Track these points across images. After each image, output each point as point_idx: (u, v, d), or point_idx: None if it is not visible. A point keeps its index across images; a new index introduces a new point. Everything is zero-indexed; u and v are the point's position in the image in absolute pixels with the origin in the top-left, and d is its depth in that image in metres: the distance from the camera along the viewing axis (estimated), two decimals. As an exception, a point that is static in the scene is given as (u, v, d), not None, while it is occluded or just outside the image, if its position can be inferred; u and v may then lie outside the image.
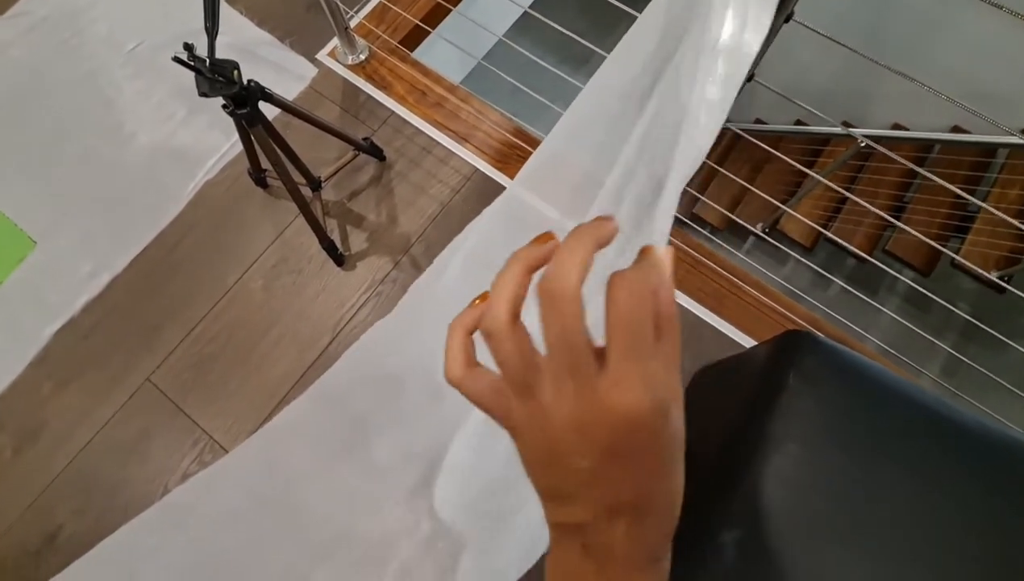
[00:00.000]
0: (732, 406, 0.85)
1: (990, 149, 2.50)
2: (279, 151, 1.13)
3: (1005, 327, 1.20)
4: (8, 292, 1.39)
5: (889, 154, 1.06)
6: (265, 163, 1.26)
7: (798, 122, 2.96)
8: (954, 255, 1.29)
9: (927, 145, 2.69)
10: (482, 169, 1.45)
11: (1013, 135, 0.98)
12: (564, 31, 1.25)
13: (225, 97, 0.94)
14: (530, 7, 1.49)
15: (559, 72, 1.38)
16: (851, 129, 1.21)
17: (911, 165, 1.12)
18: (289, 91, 1.54)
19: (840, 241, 2.04)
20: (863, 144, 1.21)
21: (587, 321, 0.26)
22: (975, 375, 1.26)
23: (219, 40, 0.87)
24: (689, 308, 1.32)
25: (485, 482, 0.90)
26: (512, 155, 1.46)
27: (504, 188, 1.42)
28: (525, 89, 1.46)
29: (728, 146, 3.09)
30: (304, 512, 1.17)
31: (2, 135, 1.56)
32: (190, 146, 1.51)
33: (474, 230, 1.11)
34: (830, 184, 1.30)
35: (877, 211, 1.33)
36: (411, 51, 1.63)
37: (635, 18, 0.73)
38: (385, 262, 1.38)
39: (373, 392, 1.24)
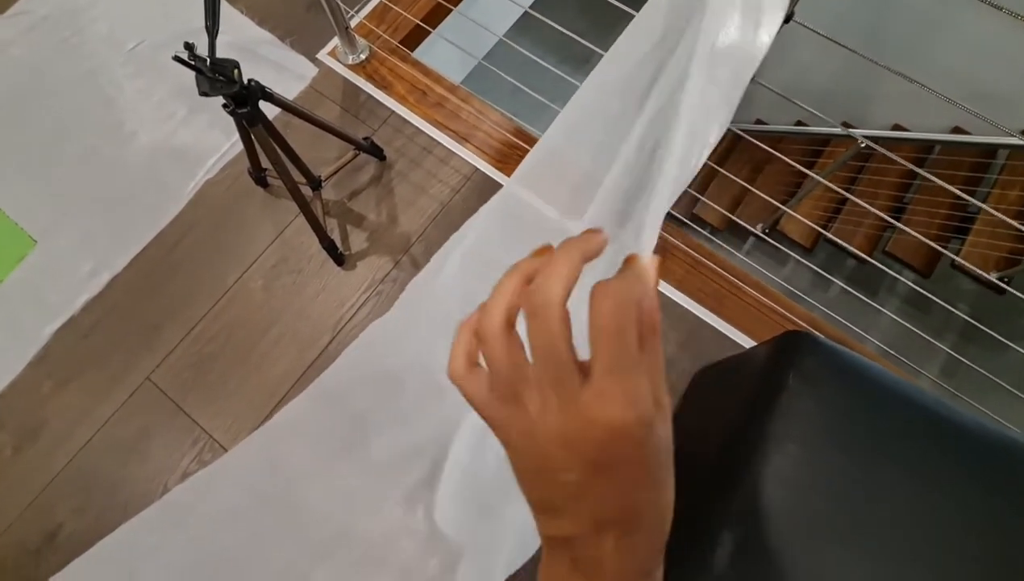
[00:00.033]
0: (732, 406, 0.85)
1: (990, 150, 2.50)
2: (279, 150, 1.13)
3: (1005, 328, 1.20)
4: (8, 291, 1.39)
5: (889, 155, 1.06)
6: (265, 162, 1.26)
7: (798, 123, 2.96)
8: (954, 256, 1.29)
9: (927, 146, 2.69)
10: (482, 169, 1.45)
11: (1013, 136, 0.98)
12: (564, 31, 1.25)
13: (225, 96, 0.94)
14: (530, 7, 1.49)
15: (559, 72, 1.38)
16: (851, 130, 1.21)
17: (911, 166, 1.12)
18: (289, 90, 1.54)
19: (840, 242, 2.04)
20: (863, 145, 1.21)
21: (573, 334, 0.26)
22: (975, 376, 1.26)
23: (220, 39, 0.87)
24: (689, 308, 1.32)
25: (484, 480, 0.91)
26: (512, 155, 1.46)
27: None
28: (525, 89, 1.46)
29: (728, 146, 3.09)
30: (304, 511, 1.17)
31: (2, 134, 1.56)
32: (190, 145, 1.51)
33: (471, 228, 1.11)
34: (830, 185, 1.30)
35: (877, 212, 1.33)
36: (412, 51, 1.63)
37: (634, 18, 0.73)
38: (385, 262, 1.38)
39: (372, 390, 1.24)
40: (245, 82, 0.93)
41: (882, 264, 1.36)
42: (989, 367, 1.23)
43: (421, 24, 1.63)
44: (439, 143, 1.48)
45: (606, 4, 1.17)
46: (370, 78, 1.56)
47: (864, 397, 0.75)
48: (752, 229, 1.67)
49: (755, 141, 1.28)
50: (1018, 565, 0.64)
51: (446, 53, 1.96)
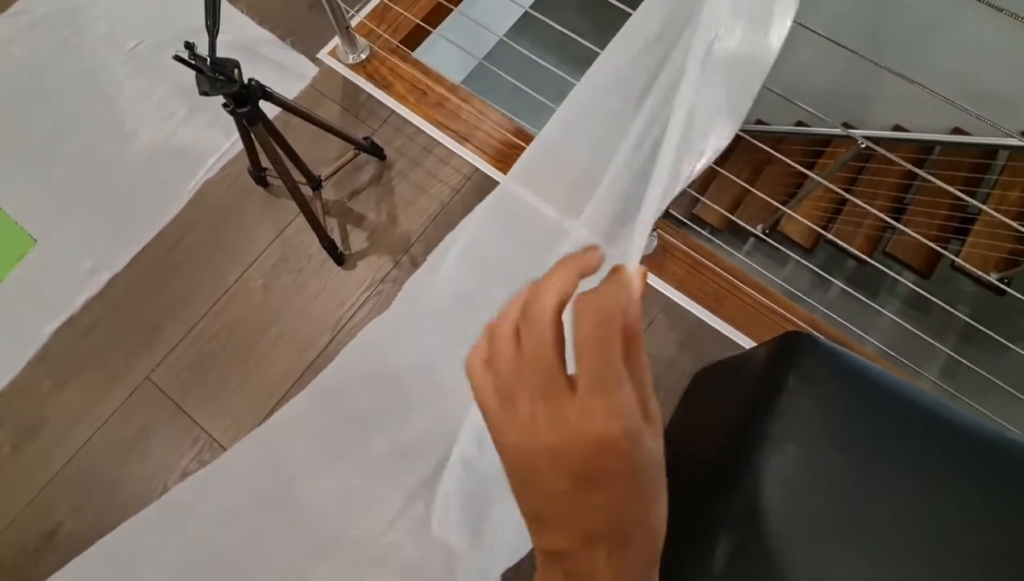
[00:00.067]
0: (732, 406, 0.85)
1: (990, 151, 2.50)
2: (279, 150, 1.13)
3: (1005, 329, 1.20)
4: (8, 290, 1.39)
5: (889, 156, 1.06)
6: (265, 162, 1.26)
7: (798, 123, 2.96)
8: (954, 257, 1.29)
9: (927, 147, 2.69)
10: (482, 169, 1.45)
11: (1013, 137, 0.99)
12: (565, 31, 1.25)
13: (226, 96, 0.94)
14: (531, 7, 1.49)
15: (560, 72, 1.38)
16: (851, 130, 1.21)
17: (911, 167, 1.12)
18: (290, 90, 1.54)
19: (840, 242, 2.04)
20: (863, 145, 1.21)
21: (565, 346, 0.27)
22: (974, 377, 1.26)
23: (220, 39, 0.87)
24: (689, 309, 1.32)
25: (487, 474, 0.90)
26: (513, 155, 1.46)
27: (504, 188, 1.42)
28: (526, 89, 1.46)
29: (729, 147, 3.07)
30: (304, 510, 1.17)
31: (2, 133, 1.56)
32: (190, 144, 1.51)
33: (468, 226, 1.11)
34: (830, 185, 1.30)
35: (877, 213, 1.33)
36: (412, 51, 1.64)
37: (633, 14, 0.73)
38: (385, 261, 1.38)
39: (372, 389, 1.24)
40: (245, 81, 0.93)
41: (882, 265, 1.35)
42: (989, 368, 1.23)
43: (421, 24, 1.63)
44: (439, 143, 1.48)
45: (606, 4, 1.17)
46: (370, 78, 1.56)
47: (864, 398, 0.75)
48: (752, 230, 1.68)
49: (755, 142, 1.28)
50: (1018, 565, 0.64)
51: (446, 53, 1.96)
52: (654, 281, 1.34)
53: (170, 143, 1.51)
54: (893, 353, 1.36)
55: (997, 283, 1.72)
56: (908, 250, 2.48)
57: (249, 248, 1.40)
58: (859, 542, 0.66)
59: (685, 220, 1.88)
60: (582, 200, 0.87)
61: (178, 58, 0.83)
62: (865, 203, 1.31)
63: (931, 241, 1.20)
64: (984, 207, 1.13)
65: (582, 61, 0.82)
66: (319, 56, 1.59)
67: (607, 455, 0.26)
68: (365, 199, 1.44)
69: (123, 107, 1.56)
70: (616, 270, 0.29)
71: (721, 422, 0.87)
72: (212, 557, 1.15)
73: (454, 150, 1.47)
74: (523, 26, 2.43)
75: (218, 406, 1.28)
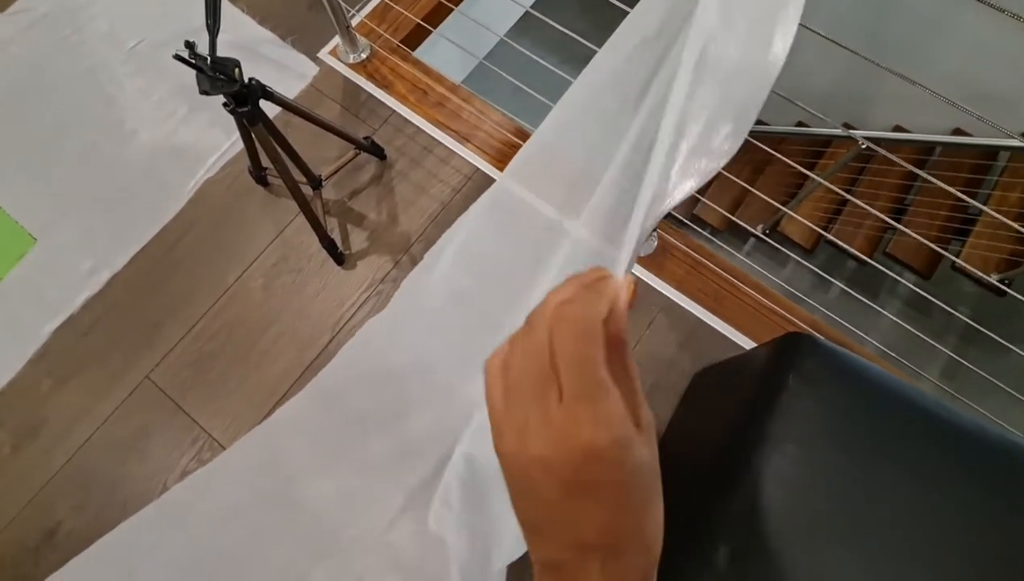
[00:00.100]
0: (732, 407, 0.85)
1: (991, 152, 2.50)
2: (280, 149, 1.13)
3: (1005, 331, 1.20)
4: (8, 289, 1.39)
5: (890, 156, 1.06)
6: (266, 161, 1.26)
7: (799, 124, 2.96)
8: (955, 258, 1.29)
9: (928, 148, 2.69)
10: (483, 169, 1.45)
11: (1014, 138, 0.98)
12: (566, 31, 1.25)
13: (226, 95, 0.94)
14: (531, 7, 1.49)
15: (560, 72, 1.37)
16: (852, 131, 1.21)
17: (911, 168, 1.12)
18: (290, 89, 1.54)
19: (840, 243, 2.04)
20: (864, 146, 1.21)
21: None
22: (975, 378, 1.26)
23: (220, 38, 0.87)
24: (689, 309, 1.32)
25: (489, 472, 0.90)
26: (513, 155, 1.46)
27: (505, 188, 1.42)
28: (526, 89, 1.46)
29: (729, 147, 3.08)
30: (303, 510, 1.17)
31: (2, 132, 1.56)
32: (191, 144, 1.51)
33: (464, 225, 1.11)
34: (831, 186, 1.30)
35: (878, 213, 1.33)
36: (412, 50, 1.63)
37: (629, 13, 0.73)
38: (385, 261, 1.38)
39: (370, 389, 1.24)
40: (246, 81, 0.93)
41: (882, 266, 1.35)
42: (989, 369, 1.23)
43: (422, 23, 1.63)
44: (440, 143, 1.48)
45: (607, 4, 1.17)
46: (371, 77, 1.56)
47: (864, 398, 0.75)
48: (752, 230, 1.67)
49: (756, 142, 1.27)
50: (1018, 565, 0.64)
51: (447, 53, 1.96)
52: (654, 281, 1.34)
53: (170, 142, 1.51)
54: (894, 354, 1.36)
55: (997, 284, 1.72)
56: (908, 251, 2.48)
57: (249, 247, 1.40)
58: (859, 542, 0.66)
59: (685, 220, 1.88)
60: (581, 199, 0.87)
61: (178, 57, 0.83)
62: (865, 204, 1.31)
63: (932, 242, 1.20)
64: (985, 208, 1.13)
65: (583, 61, 0.82)
66: (320, 56, 1.59)
67: (596, 464, 0.26)
68: (365, 199, 1.44)
69: (123, 106, 1.56)
70: (600, 278, 0.30)
71: (721, 422, 0.87)
72: (212, 556, 1.15)
73: (455, 150, 1.47)
74: (524, 26, 2.43)
75: (218, 406, 1.28)
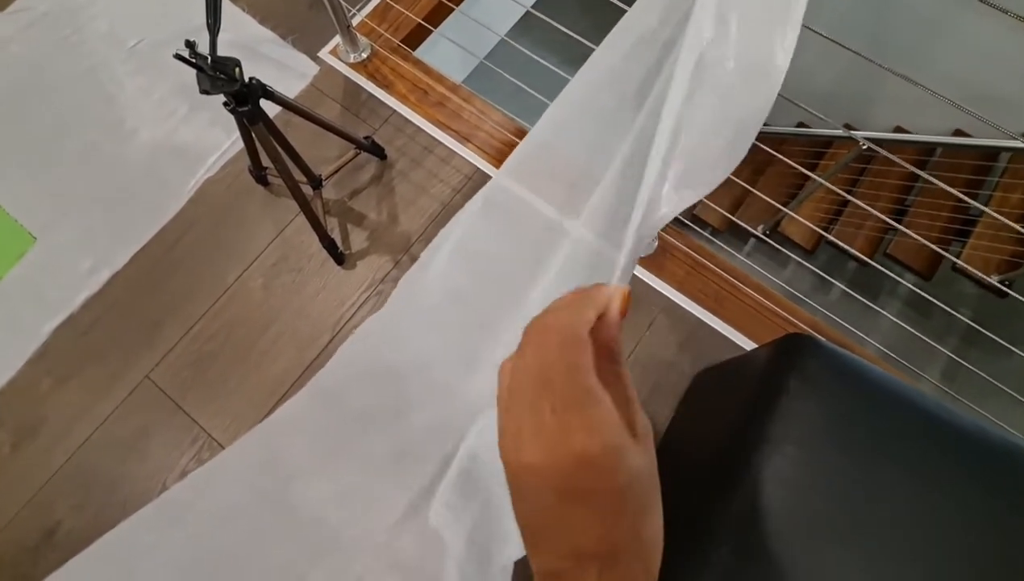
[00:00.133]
0: (733, 407, 0.84)
1: (992, 153, 2.50)
2: (280, 149, 1.12)
3: (1006, 332, 1.20)
4: (8, 288, 1.39)
5: (891, 157, 1.06)
6: (266, 161, 1.26)
7: (800, 124, 2.96)
8: (955, 259, 1.29)
9: (929, 149, 2.69)
10: (483, 169, 1.45)
11: (1016, 139, 0.98)
12: (566, 31, 1.25)
13: (227, 94, 0.94)
14: (532, 7, 1.49)
15: (561, 72, 1.37)
16: (853, 132, 1.21)
17: (913, 169, 1.11)
18: (291, 89, 1.54)
19: (841, 244, 2.04)
20: (865, 147, 1.21)
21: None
22: (975, 380, 1.26)
23: (221, 37, 0.86)
24: (689, 310, 1.32)
25: (493, 472, 0.90)
26: (513, 155, 1.46)
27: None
28: (527, 89, 1.46)
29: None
30: (303, 509, 1.17)
31: (2, 131, 1.56)
32: (191, 143, 1.51)
33: (460, 222, 1.11)
34: (832, 186, 1.30)
35: (878, 214, 1.33)
36: (413, 50, 1.63)
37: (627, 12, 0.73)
38: (385, 261, 1.38)
39: (370, 387, 1.24)
40: (246, 80, 0.93)
41: (883, 267, 1.35)
42: (990, 371, 1.23)
43: (423, 23, 1.63)
44: (440, 143, 1.48)
45: (608, 4, 1.17)
46: (371, 77, 1.56)
47: (865, 400, 0.75)
48: (753, 231, 1.67)
49: (757, 143, 1.27)
50: (1018, 565, 0.64)
51: (448, 52, 1.96)
52: (654, 281, 1.34)
53: (171, 141, 1.51)
54: (894, 355, 1.36)
55: (998, 285, 1.72)
56: (909, 252, 2.47)
57: (249, 247, 1.40)
58: (859, 542, 0.66)
59: (686, 221, 1.88)
60: (581, 199, 0.86)
61: (179, 56, 0.83)
62: (866, 205, 1.31)
63: (932, 243, 1.20)
64: (986, 209, 1.13)
65: (584, 61, 0.81)
66: (320, 55, 1.59)
67: (588, 472, 0.26)
68: (366, 199, 1.44)
69: (123, 105, 1.55)
70: (591, 289, 0.30)
71: (721, 423, 0.87)
72: (211, 555, 1.15)
73: (455, 150, 1.47)
74: (525, 26, 2.43)
75: (218, 405, 1.28)
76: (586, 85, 0.82)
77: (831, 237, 2.42)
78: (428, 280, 1.21)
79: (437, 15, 1.69)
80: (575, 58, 0.85)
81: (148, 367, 1.31)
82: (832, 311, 1.43)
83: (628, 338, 1.30)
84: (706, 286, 1.34)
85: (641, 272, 1.34)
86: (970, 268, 1.83)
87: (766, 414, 0.74)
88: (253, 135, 1.07)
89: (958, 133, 2.58)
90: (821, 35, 0.95)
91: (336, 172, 1.38)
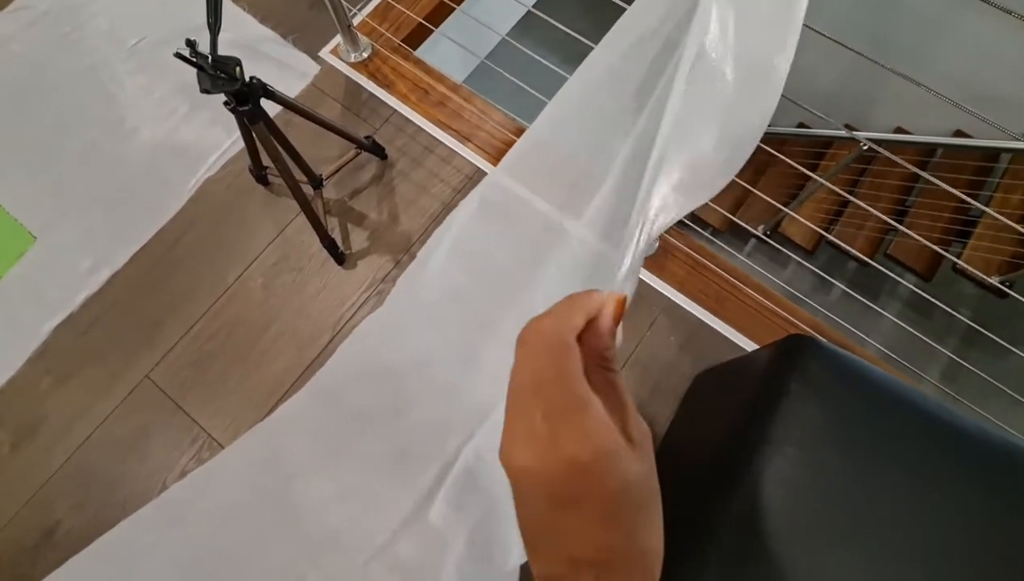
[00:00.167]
0: (733, 408, 0.84)
1: (992, 154, 2.50)
2: (280, 148, 1.12)
3: (1006, 333, 1.19)
4: (8, 287, 1.39)
5: (893, 158, 1.06)
6: (266, 160, 1.26)
7: (800, 125, 2.95)
8: (956, 260, 1.29)
9: (930, 149, 2.69)
10: (484, 169, 1.45)
11: (1017, 139, 0.98)
12: (567, 31, 1.25)
13: (227, 94, 0.94)
14: (533, 6, 1.49)
15: (562, 72, 1.37)
16: (855, 132, 1.21)
17: (914, 169, 1.11)
18: (291, 88, 1.54)
19: (842, 244, 2.03)
20: (865, 147, 1.21)
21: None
22: (976, 380, 1.25)
23: (221, 36, 0.86)
24: (690, 310, 1.31)
25: (492, 479, 0.90)
26: (514, 155, 1.46)
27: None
28: (528, 89, 1.46)
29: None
30: (303, 508, 1.17)
31: (3, 130, 1.55)
32: (191, 142, 1.51)
33: (456, 221, 1.11)
34: (833, 187, 1.29)
35: (879, 214, 1.32)
36: (414, 49, 1.63)
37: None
38: (386, 261, 1.38)
39: (370, 386, 1.24)
40: (247, 79, 0.93)
41: (884, 267, 1.35)
42: (990, 372, 1.23)
43: (424, 22, 1.63)
44: (441, 142, 1.48)
45: (609, 4, 1.17)
46: (372, 76, 1.55)
47: (866, 401, 0.75)
48: (754, 231, 1.67)
49: (759, 143, 1.27)
50: (1018, 565, 0.64)
51: (448, 52, 1.96)
52: (655, 282, 1.34)
53: (171, 141, 1.51)
54: (895, 356, 1.36)
55: (999, 286, 1.71)
56: (910, 253, 2.47)
57: (250, 247, 1.40)
58: (859, 543, 0.66)
59: (687, 221, 1.87)
60: (582, 200, 0.86)
61: (179, 55, 0.82)
62: (867, 205, 1.31)
63: (933, 244, 1.20)
64: (987, 209, 1.13)
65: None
66: (321, 54, 1.59)
67: (579, 477, 0.26)
68: (366, 198, 1.44)
69: (124, 104, 1.55)
70: (584, 292, 0.30)
71: (722, 423, 0.87)
72: (211, 554, 1.15)
73: (456, 150, 1.47)
74: (526, 25, 2.43)
75: (217, 405, 1.28)
76: (585, 84, 0.82)
77: (831, 237, 2.43)
78: (427, 279, 1.21)
79: (438, 15, 1.69)
80: (576, 57, 0.85)
81: (148, 367, 1.31)
82: (832, 312, 1.43)
83: (629, 338, 1.29)
84: (707, 286, 1.33)
85: (642, 272, 1.34)
86: (971, 268, 1.83)
87: (767, 415, 0.74)
88: (254, 134, 1.07)
89: (958, 134, 2.58)
90: (824, 35, 0.95)
91: (337, 172, 1.38)
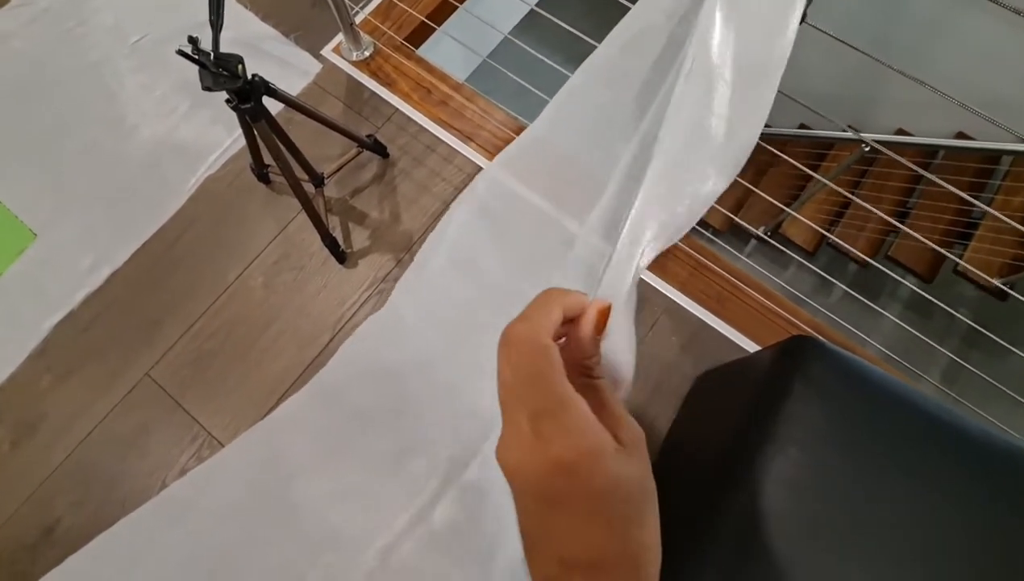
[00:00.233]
0: (735, 409, 0.84)
1: (994, 156, 2.50)
2: (282, 147, 1.12)
3: (1007, 334, 1.20)
4: (8, 284, 1.39)
5: (897, 158, 1.06)
6: (268, 159, 1.26)
7: (801, 126, 2.95)
8: (958, 261, 1.28)
9: (931, 151, 2.69)
10: (486, 168, 1.45)
11: (1020, 141, 0.98)
12: (571, 29, 1.25)
13: (229, 92, 0.93)
14: (536, 5, 1.48)
15: (565, 71, 1.37)
16: (858, 134, 1.20)
17: (917, 169, 1.11)
18: (293, 86, 1.54)
19: (843, 245, 2.03)
20: (867, 148, 1.21)
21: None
22: (977, 382, 1.25)
23: (223, 34, 0.86)
24: (691, 311, 1.31)
25: (495, 480, 0.90)
26: (516, 154, 1.45)
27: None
28: (531, 88, 1.45)
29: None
30: (303, 507, 1.16)
31: (3, 127, 1.55)
32: (192, 140, 1.50)
33: (453, 220, 1.10)
34: (836, 187, 1.29)
35: (881, 215, 1.32)
36: (416, 48, 1.63)
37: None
38: (387, 260, 1.38)
39: (371, 386, 1.24)
40: (248, 77, 0.93)
41: (885, 268, 1.35)
42: (991, 373, 1.23)
43: (426, 21, 1.63)
44: (443, 141, 1.47)
45: (613, 3, 1.16)
46: (374, 75, 1.55)
47: (868, 402, 0.75)
48: (755, 231, 1.67)
49: (761, 143, 1.27)
50: (1019, 566, 0.63)
51: (451, 51, 1.96)
52: (657, 282, 1.33)
53: (172, 139, 1.51)
54: (896, 357, 1.36)
55: (1001, 287, 1.71)
56: (911, 254, 2.47)
57: (250, 245, 1.40)
58: (860, 543, 0.66)
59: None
60: (581, 200, 0.86)
61: (181, 53, 0.82)
62: (868, 206, 1.30)
63: (934, 245, 1.20)
64: (989, 209, 1.13)
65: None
66: (323, 53, 1.59)
67: (564, 477, 0.26)
68: (368, 197, 1.44)
69: (125, 102, 1.55)
70: (556, 289, 0.30)
71: (724, 424, 0.87)
72: (211, 553, 1.15)
73: (458, 149, 1.46)
74: (528, 24, 2.42)
75: (217, 404, 1.28)
76: (586, 83, 0.82)
77: (833, 238, 2.42)
78: (425, 278, 1.20)
79: (440, 13, 1.69)
80: (579, 56, 0.85)
81: (148, 364, 1.31)
82: (833, 312, 1.43)
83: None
84: (708, 287, 1.33)
85: (644, 273, 1.34)
86: (972, 270, 1.83)
87: (769, 416, 0.74)
88: (255, 132, 1.07)
89: (960, 136, 2.58)
90: (828, 34, 0.94)
91: (338, 170, 1.38)
